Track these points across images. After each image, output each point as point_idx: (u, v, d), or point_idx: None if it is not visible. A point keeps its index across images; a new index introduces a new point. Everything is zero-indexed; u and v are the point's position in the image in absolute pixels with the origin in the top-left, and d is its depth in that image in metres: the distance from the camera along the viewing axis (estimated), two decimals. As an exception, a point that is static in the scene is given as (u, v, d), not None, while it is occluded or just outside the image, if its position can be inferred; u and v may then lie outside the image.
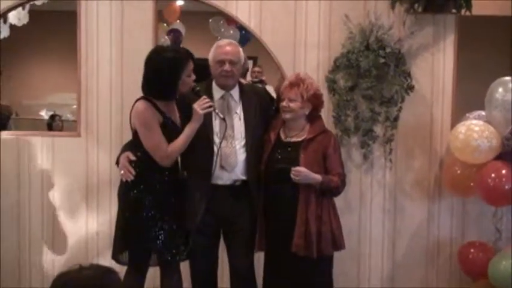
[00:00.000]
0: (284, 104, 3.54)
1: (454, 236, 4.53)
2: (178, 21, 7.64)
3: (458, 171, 4.27)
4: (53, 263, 4.56)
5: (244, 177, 3.55)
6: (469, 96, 4.43)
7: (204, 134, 3.46)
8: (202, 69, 4.10)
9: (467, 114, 4.37)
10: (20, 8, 5.61)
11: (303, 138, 3.55)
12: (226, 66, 3.51)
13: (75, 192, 4.54)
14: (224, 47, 3.58)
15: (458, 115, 4.46)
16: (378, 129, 4.41)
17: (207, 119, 3.47)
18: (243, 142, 3.55)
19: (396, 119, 4.37)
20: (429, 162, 4.50)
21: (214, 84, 3.61)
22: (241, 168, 3.54)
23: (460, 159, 4.21)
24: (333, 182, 3.49)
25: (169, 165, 3.43)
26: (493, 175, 4.02)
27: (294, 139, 3.57)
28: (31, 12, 6.11)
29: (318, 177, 3.44)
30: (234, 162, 3.51)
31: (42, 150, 4.54)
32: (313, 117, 3.62)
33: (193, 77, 3.46)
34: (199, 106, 3.37)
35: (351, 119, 4.39)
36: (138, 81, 4.06)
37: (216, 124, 3.51)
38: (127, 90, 4.42)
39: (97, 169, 4.52)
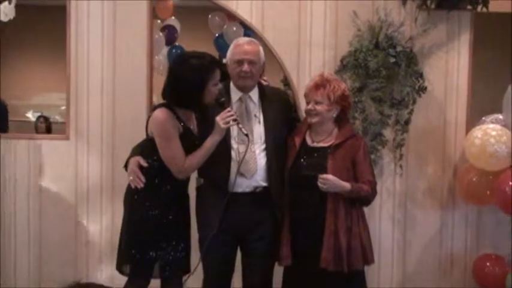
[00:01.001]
0: (310, 107, 3.46)
1: (468, 247, 4.51)
2: (172, 17, 7.58)
3: (474, 179, 4.25)
4: (40, 273, 4.52)
5: (265, 184, 3.46)
6: (485, 99, 4.40)
7: (221, 139, 3.38)
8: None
9: (483, 118, 4.36)
10: (6, 2, 5.54)
11: (330, 143, 3.47)
12: (245, 67, 3.44)
13: (63, 199, 4.49)
14: (243, 45, 3.50)
15: (473, 118, 4.44)
16: (388, 133, 4.37)
17: None
18: (263, 146, 3.48)
19: (407, 122, 4.33)
20: (442, 169, 4.47)
21: (232, 85, 3.55)
22: (262, 174, 3.45)
23: (475, 165, 4.16)
24: (363, 190, 3.40)
25: (184, 178, 3.39)
26: (511, 183, 3.98)
27: (321, 144, 3.48)
28: (18, 7, 6.04)
29: (347, 185, 3.34)
30: (253, 168, 3.43)
31: (29, 153, 4.50)
32: (341, 120, 3.54)
33: (220, 86, 3.39)
34: (222, 119, 3.29)
35: (359, 122, 4.34)
36: (131, 81, 4.04)
37: (234, 128, 3.43)
38: (119, 91, 4.41)
39: (87, 174, 4.49)
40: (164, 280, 3.51)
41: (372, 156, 4.31)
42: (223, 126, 3.28)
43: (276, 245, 3.48)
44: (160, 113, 3.33)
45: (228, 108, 3.34)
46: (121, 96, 4.39)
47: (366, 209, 4.31)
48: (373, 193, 3.47)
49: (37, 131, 7.49)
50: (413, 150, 4.42)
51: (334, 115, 3.48)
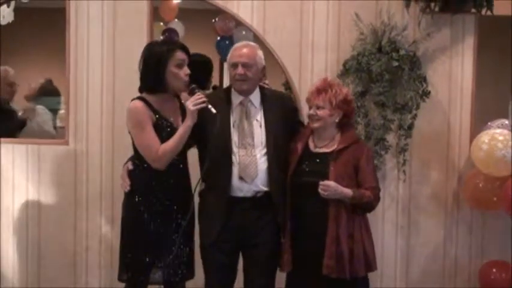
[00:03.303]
0: (312, 112, 3.51)
1: (473, 254, 4.49)
2: (176, 19, 7.62)
3: (480, 185, 4.25)
4: (38, 278, 4.55)
5: (266, 189, 3.51)
6: (489, 103, 4.37)
7: (222, 143, 3.46)
8: (201, 66, 4.08)
9: (489, 123, 4.34)
10: (5, 6, 5.60)
11: (333, 148, 3.50)
12: (239, 70, 3.50)
13: (62, 204, 4.52)
14: (240, 49, 3.58)
15: (478, 123, 4.44)
16: (391, 138, 4.37)
17: (225, 127, 3.48)
18: (264, 151, 3.53)
19: (411, 127, 4.34)
20: (446, 174, 4.47)
21: (233, 89, 3.61)
22: (263, 179, 3.50)
23: (482, 171, 4.17)
24: (365, 197, 3.43)
25: (162, 169, 3.40)
26: (518, 188, 3.99)
27: (324, 150, 3.52)
28: (17, 10, 6.10)
29: (348, 192, 3.38)
30: (253, 172, 3.48)
31: (28, 158, 4.53)
32: (345, 125, 3.57)
33: (187, 70, 3.46)
34: (192, 102, 3.37)
35: (362, 126, 4.35)
36: (131, 85, 4.06)
37: (235, 133, 3.51)
38: (119, 96, 4.40)
39: (86, 180, 4.50)
40: (167, 285, 3.54)
41: (375, 162, 4.35)
42: (192, 108, 3.34)
43: (278, 251, 3.54)
44: (132, 104, 3.42)
45: (198, 93, 3.40)
46: (121, 101, 4.34)
47: (368, 215, 4.37)
48: (375, 199, 3.50)
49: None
50: (417, 156, 4.42)
51: (337, 120, 3.52)
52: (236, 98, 3.59)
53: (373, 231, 4.38)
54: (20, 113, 5.54)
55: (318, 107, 3.48)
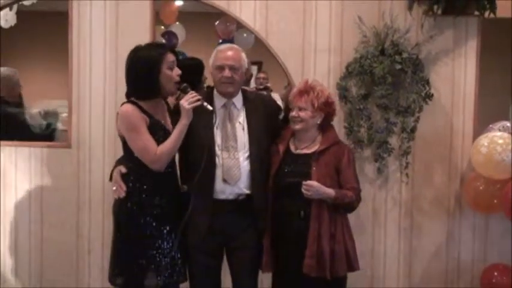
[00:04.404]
0: (293, 113, 3.52)
1: (475, 257, 4.48)
2: (177, 23, 7.61)
3: (481, 187, 4.24)
4: (41, 282, 4.55)
5: (248, 192, 3.51)
6: (492, 106, 4.35)
7: (205, 145, 3.43)
8: (193, 69, 4.06)
9: (490, 125, 4.34)
10: (7, 9, 5.58)
11: (314, 150, 3.52)
12: (226, 72, 3.49)
13: (65, 207, 4.51)
14: (225, 51, 3.57)
15: (480, 126, 4.43)
16: (394, 141, 4.36)
17: (208, 129, 3.47)
18: (247, 154, 3.52)
19: (413, 130, 4.33)
20: (449, 177, 4.45)
21: (215, 91, 3.59)
22: (246, 182, 3.50)
23: (482, 174, 4.15)
24: (347, 197, 3.45)
25: (161, 170, 3.39)
26: (518, 191, 3.97)
27: (305, 151, 3.54)
28: (19, 13, 6.10)
29: (331, 192, 3.40)
30: (236, 175, 3.47)
31: (30, 161, 4.52)
32: (326, 127, 3.60)
33: (178, 71, 3.44)
34: (186, 101, 3.36)
35: (364, 129, 4.34)
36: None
37: (218, 134, 3.50)
38: (121, 98, 4.30)
39: (89, 182, 4.50)
40: None
41: (377, 165, 4.35)
42: (188, 107, 3.34)
43: (261, 253, 3.55)
44: (124, 108, 3.40)
45: (192, 92, 3.40)
46: (123, 103, 4.42)
47: (371, 218, 4.40)
48: (357, 199, 3.53)
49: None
50: (420, 159, 4.41)
51: (318, 122, 3.55)
52: (219, 101, 3.58)
53: (375, 234, 4.46)
54: (43, 122, 5.50)
55: (300, 109, 3.51)
